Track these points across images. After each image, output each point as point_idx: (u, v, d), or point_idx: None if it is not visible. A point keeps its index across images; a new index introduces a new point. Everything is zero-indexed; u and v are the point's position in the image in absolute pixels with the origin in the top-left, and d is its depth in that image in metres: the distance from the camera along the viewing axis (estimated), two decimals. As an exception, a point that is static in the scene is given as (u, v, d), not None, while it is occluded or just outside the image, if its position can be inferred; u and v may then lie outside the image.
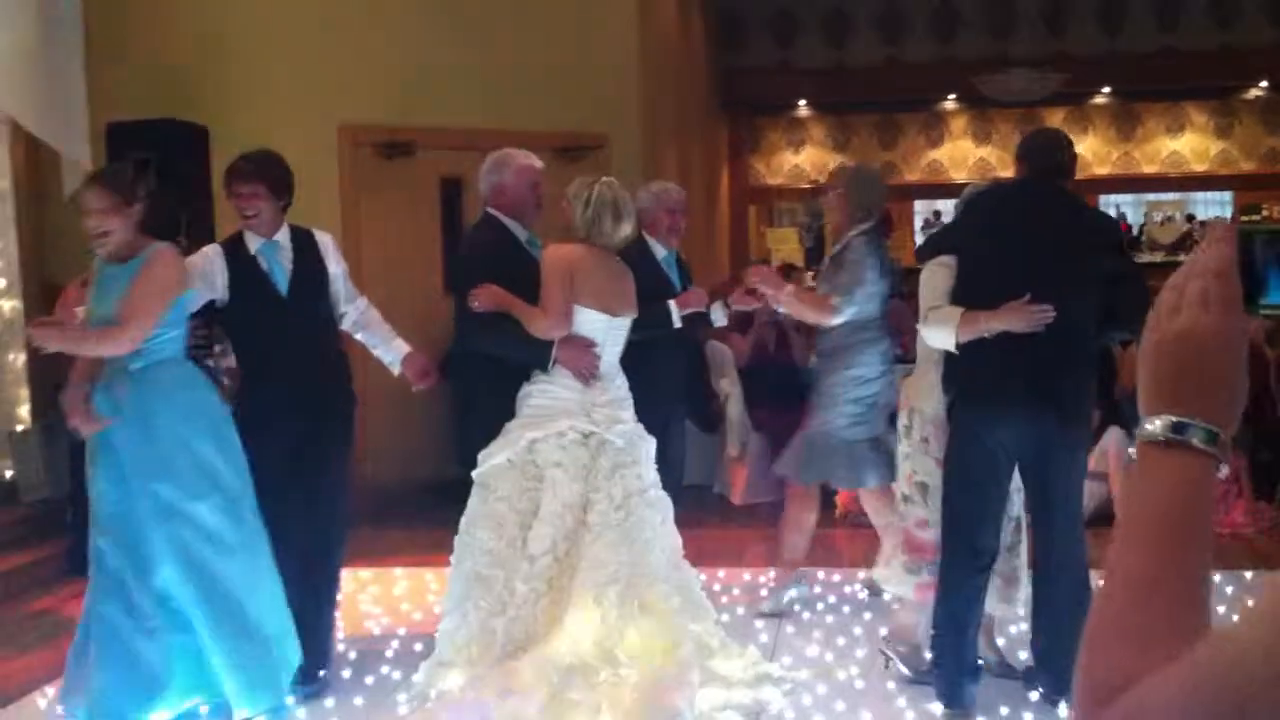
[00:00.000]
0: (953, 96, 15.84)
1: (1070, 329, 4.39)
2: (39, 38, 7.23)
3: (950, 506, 4.56)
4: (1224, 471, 1.11)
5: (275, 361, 5.05)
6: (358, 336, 5.30)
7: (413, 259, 8.70)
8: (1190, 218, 17.15)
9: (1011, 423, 4.45)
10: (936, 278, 4.67)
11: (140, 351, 4.50)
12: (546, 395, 4.73)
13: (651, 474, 4.82)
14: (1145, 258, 15.82)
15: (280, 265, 5.05)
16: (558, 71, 8.93)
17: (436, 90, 8.62)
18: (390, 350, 5.25)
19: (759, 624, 5.85)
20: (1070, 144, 4.80)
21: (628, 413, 4.82)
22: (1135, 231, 16.86)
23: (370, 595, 6.57)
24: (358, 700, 5.00)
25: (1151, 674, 0.96)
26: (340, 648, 5.67)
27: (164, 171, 7.41)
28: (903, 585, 4.99)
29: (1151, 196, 16.98)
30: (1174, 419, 1.10)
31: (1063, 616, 4.49)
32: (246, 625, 4.56)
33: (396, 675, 5.24)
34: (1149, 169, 16.37)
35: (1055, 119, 16.29)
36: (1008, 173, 17.70)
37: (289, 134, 8.01)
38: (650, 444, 4.87)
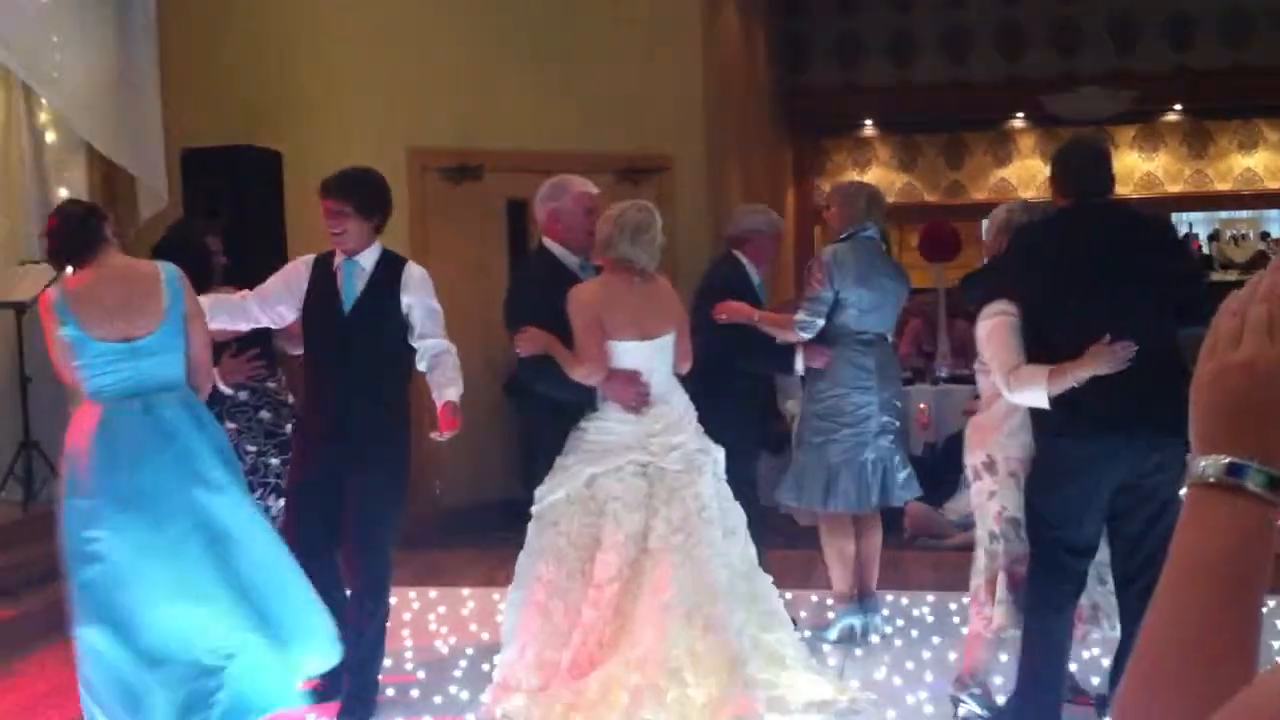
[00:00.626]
0: (1020, 115, 15.73)
1: (1157, 348, 4.22)
2: (116, 65, 7.39)
3: (1050, 541, 4.39)
4: None
5: (327, 377, 5.06)
6: (428, 376, 5.18)
7: (479, 282, 8.75)
8: (1264, 235, 16.92)
9: (1118, 455, 4.28)
10: (1001, 333, 4.40)
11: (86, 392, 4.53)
12: (602, 431, 4.74)
13: (710, 489, 4.75)
14: (1217, 276, 15.62)
15: (354, 284, 5.04)
16: (623, 94, 8.97)
17: (504, 114, 8.69)
18: (438, 393, 5.09)
19: (826, 647, 5.83)
20: (1108, 153, 4.65)
21: (684, 435, 4.77)
22: (1206, 249, 16.67)
23: (438, 615, 6.62)
24: (426, 720, 5.04)
25: None
26: (408, 667, 5.74)
27: (238, 196, 7.59)
28: (1006, 623, 4.63)
29: (1224, 214, 16.78)
30: (1229, 460, 0.99)
31: None
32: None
33: (465, 695, 5.27)
34: (1221, 186, 16.16)
35: (1125, 137, 16.14)
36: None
37: (359, 158, 8.04)
38: (714, 455, 4.84)
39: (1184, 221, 16.96)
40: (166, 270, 4.55)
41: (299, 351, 5.37)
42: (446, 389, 5.06)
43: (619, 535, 4.58)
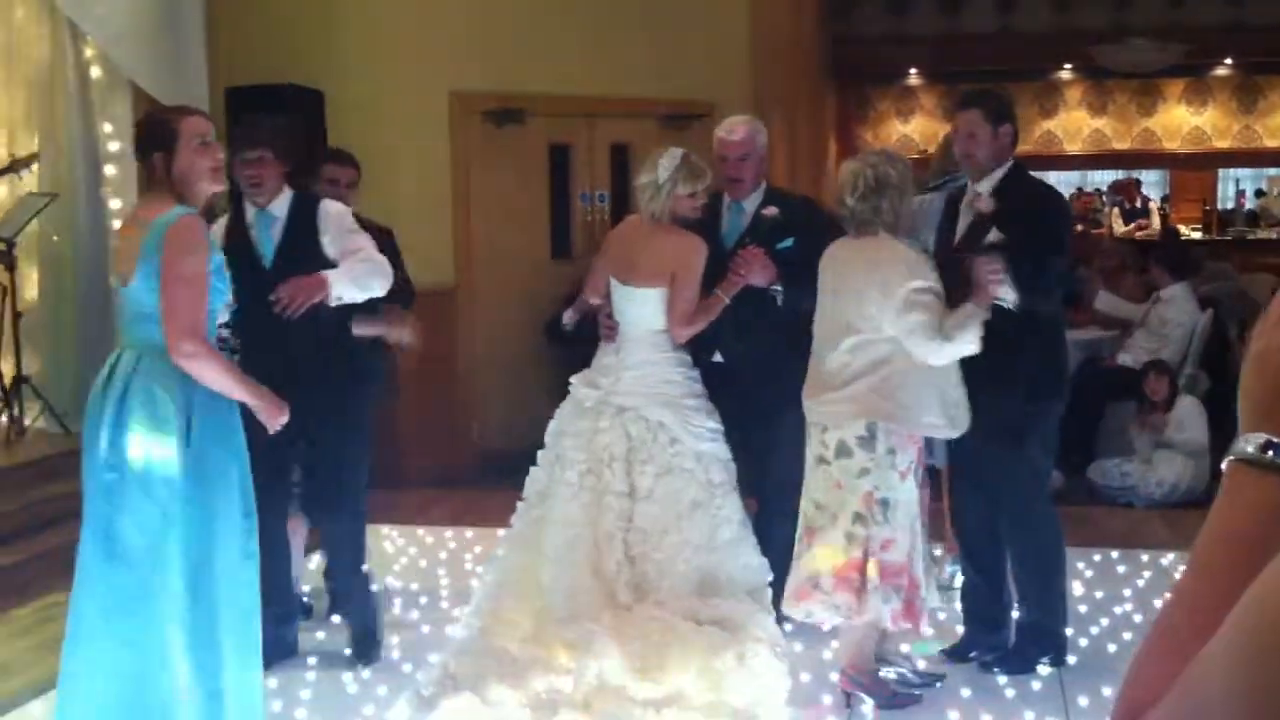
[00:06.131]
0: (1068, 66, 15.56)
1: None
2: (162, 3, 7.40)
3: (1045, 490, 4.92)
4: None
5: (261, 337, 4.59)
6: None
7: (521, 226, 8.77)
8: (1312, 193, 16.73)
9: None
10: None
11: None
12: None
13: (626, 449, 4.84)
14: (1262, 234, 15.46)
15: (270, 237, 4.75)
16: (667, 40, 8.92)
17: (547, 58, 8.65)
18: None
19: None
20: None
21: (609, 380, 4.93)
22: (1251, 205, 16.48)
23: (474, 555, 6.69)
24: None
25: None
26: (444, 605, 5.81)
27: (280, 135, 7.61)
28: (876, 614, 4.34)
29: (1272, 171, 16.59)
30: (1266, 438, 1.00)
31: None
32: None
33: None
34: (1270, 143, 15.97)
35: (1174, 91, 15.95)
36: (1123, 145, 17.15)
37: (402, 100, 8.12)
38: (656, 420, 4.83)
39: (1231, 177, 16.78)
40: (165, 217, 3.70)
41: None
42: (338, 269, 4.57)
43: (550, 453, 4.98)
